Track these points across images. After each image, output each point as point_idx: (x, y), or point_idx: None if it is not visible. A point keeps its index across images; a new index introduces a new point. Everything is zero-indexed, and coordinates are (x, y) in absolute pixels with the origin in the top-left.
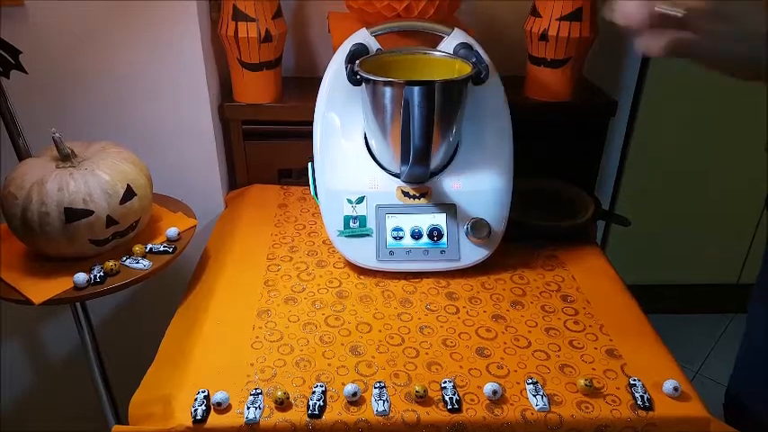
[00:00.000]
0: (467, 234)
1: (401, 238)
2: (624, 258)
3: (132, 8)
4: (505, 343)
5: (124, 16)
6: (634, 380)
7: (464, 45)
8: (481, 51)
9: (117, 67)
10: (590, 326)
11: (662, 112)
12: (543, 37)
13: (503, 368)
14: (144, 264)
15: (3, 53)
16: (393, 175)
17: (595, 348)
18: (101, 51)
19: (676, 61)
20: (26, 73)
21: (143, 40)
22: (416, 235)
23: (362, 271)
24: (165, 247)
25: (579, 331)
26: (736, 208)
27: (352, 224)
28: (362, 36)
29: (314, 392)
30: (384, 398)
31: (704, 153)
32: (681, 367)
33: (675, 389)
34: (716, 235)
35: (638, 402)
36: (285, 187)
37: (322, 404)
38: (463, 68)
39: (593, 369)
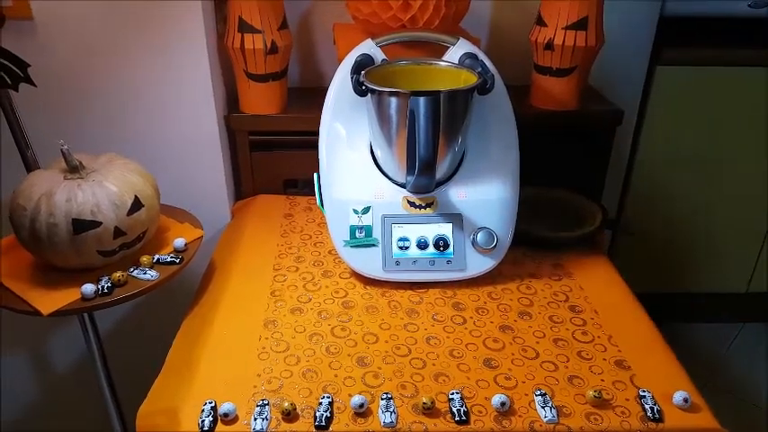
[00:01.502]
0: (473, 244)
1: (407, 248)
2: (632, 267)
3: (139, 22)
4: (513, 354)
5: (131, 30)
6: (644, 391)
7: (469, 55)
8: (486, 61)
9: (124, 79)
10: (598, 336)
11: (668, 119)
12: (549, 46)
13: (511, 379)
14: (151, 274)
15: (12, 66)
16: (399, 184)
17: (604, 359)
18: (108, 64)
19: (682, 69)
20: (35, 86)
21: (150, 52)
22: (422, 245)
23: (368, 281)
24: (172, 257)
25: (588, 342)
26: (746, 215)
27: (357, 234)
28: (368, 47)
29: (321, 404)
30: (391, 409)
31: (712, 161)
32: (691, 378)
33: (686, 400)
34: (725, 243)
35: (648, 414)
36: (291, 197)
37: (329, 415)
38: (469, 78)
39: (602, 380)
